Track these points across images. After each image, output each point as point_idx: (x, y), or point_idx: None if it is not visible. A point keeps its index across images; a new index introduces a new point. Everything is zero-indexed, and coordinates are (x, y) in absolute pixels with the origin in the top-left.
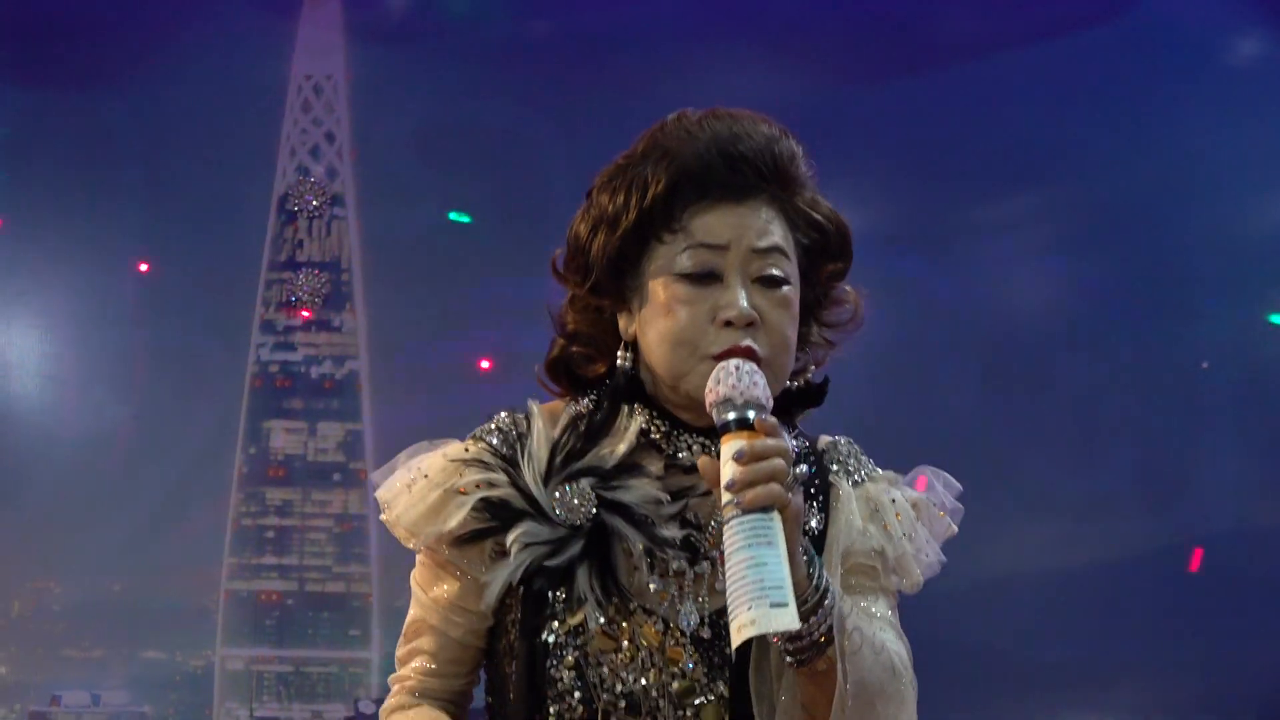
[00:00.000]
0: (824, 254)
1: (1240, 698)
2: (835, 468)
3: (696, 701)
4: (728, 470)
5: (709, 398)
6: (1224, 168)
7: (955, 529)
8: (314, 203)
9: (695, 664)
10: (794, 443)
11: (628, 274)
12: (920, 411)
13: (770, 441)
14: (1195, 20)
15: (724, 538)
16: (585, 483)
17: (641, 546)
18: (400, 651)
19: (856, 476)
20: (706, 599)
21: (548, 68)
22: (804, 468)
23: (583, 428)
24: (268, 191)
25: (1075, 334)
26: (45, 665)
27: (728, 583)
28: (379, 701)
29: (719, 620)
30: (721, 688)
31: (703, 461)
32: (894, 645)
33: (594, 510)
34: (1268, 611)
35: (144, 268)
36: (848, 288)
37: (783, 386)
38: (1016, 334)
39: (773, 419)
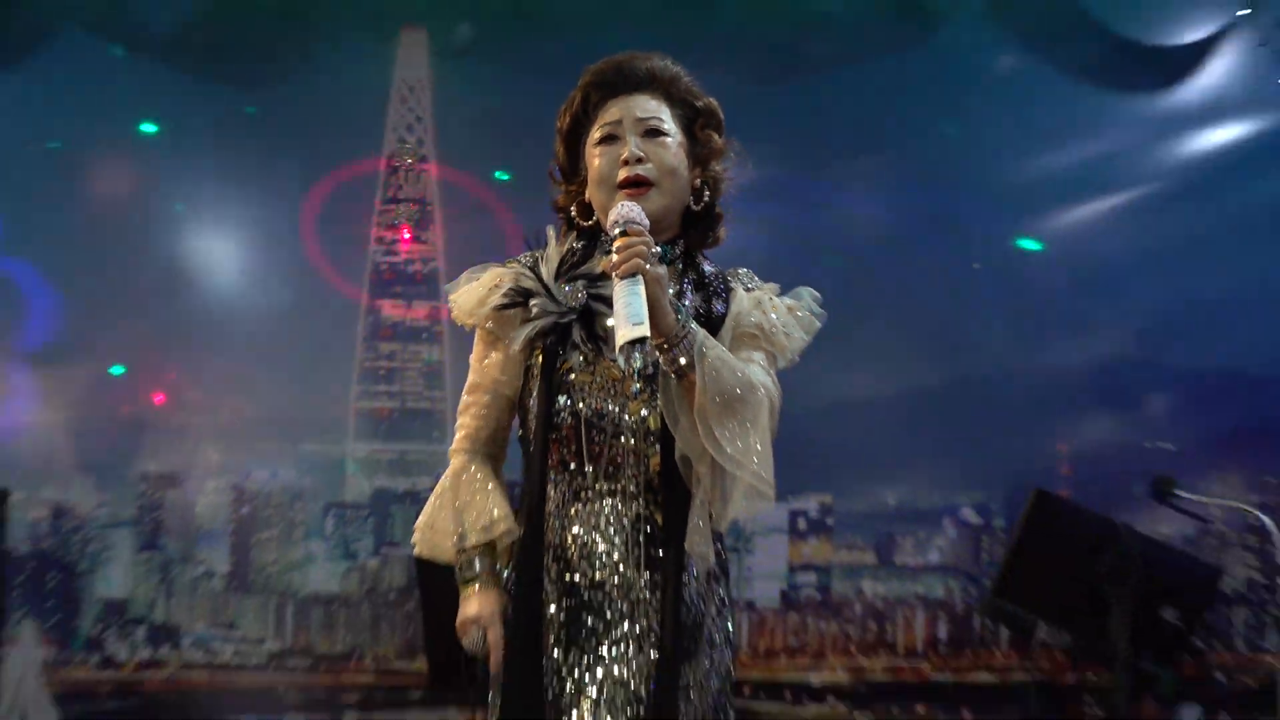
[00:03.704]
0: (696, 121)
1: (992, 476)
2: (734, 282)
3: (643, 413)
4: (612, 260)
5: (607, 227)
6: None
7: (819, 324)
8: (409, 161)
9: (640, 389)
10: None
11: (577, 160)
12: None
13: (634, 238)
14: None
15: (612, 297)
16: (581, 283)
17: (612, 323)
18: (461, 403)
19: (749, 286)
20: (649, 354)
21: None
22: (659, 249)
23: (580, 249)
24: (378, 154)
25: (891, 248)
26: (241, 452)
27: (614, 319)
28: None
29: (656, 364)
30: (660, 404)
31: (604, 262)
32: (758, 375)
33: (585, 299)
34: (1013, 420)
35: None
36: (716, 137)
37: (678, 203)
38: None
39: (639, 226)
